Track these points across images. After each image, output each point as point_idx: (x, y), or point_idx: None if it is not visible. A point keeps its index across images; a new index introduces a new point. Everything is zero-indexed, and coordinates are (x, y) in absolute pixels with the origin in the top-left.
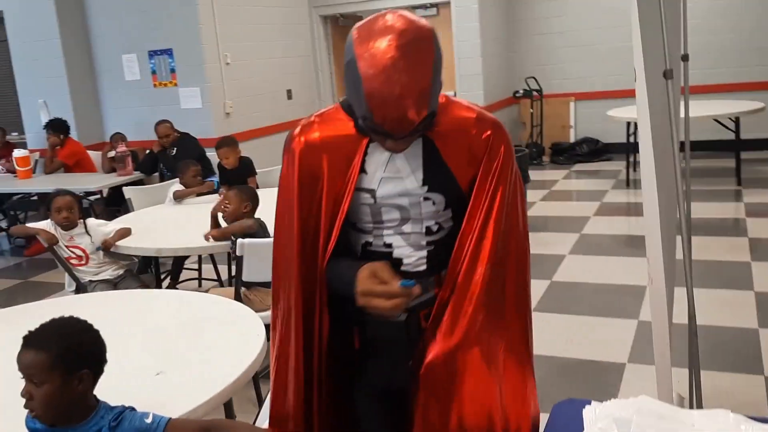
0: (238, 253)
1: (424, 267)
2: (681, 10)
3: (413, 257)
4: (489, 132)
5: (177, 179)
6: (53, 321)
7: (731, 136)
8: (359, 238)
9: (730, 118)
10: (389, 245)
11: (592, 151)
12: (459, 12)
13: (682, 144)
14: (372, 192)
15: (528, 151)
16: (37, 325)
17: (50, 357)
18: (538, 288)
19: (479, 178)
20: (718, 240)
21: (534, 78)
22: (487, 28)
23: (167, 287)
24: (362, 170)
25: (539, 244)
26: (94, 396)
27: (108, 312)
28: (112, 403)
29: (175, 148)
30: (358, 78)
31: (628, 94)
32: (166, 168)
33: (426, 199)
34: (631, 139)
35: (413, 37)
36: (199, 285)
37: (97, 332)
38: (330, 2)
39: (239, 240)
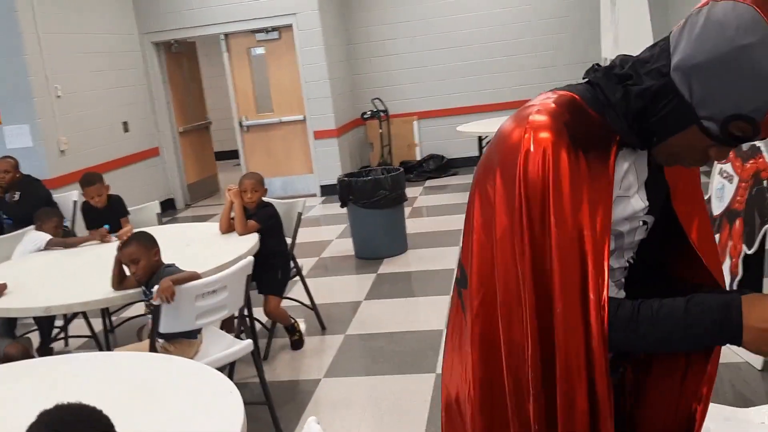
0: (156, 302)
1: None
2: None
3: None
4: None
5: (29, 228)
6: (49, 413)
7: None
8: None
9: None
10: None
11: (439, 167)
12: (302, 36)
13: None
14: None
15: (402, 170)
16: (35, 419)
17: None
18: (441, 305)
19: (694, 189)
20: None
21: (379, 99)
22: (331, 51)
23: (37, 350)
24: None
25: (425, 260)
26: None
27: (33, 388)
28: None
29: (18, 193)
30: None
31: (469, 111)
32: (7, 215)
33: (644, 223)
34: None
35: None
36: (66, 344)
37: (107, 419)
38: (161, 28)
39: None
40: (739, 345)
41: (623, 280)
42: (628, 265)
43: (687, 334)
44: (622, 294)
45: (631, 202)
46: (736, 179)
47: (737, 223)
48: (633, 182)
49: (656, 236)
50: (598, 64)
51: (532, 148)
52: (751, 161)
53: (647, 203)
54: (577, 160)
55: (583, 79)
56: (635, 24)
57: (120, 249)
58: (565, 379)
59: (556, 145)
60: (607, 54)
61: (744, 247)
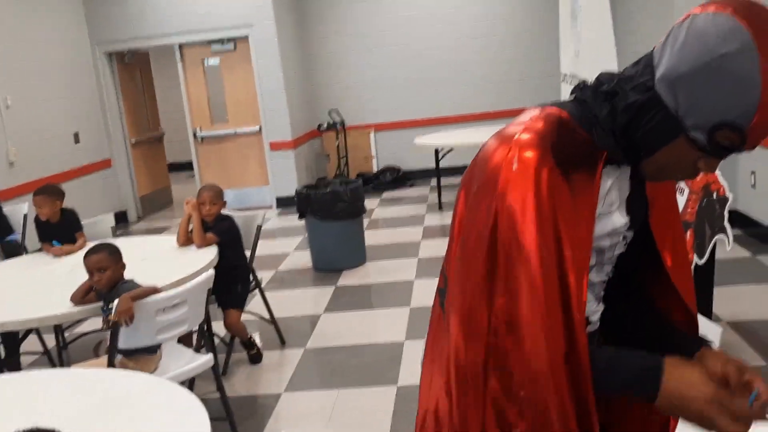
0: (116, 318)
1: (597, 326)
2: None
3: (596, 314)
4: None
5: None
6: None
7: None
8: None
9: None
10: None
11: (396, 179)
12: (258, 47)
13: None
14: None
15: (361, 181)
16: None
17: None
18: (401, 316)
19: (671, 206)
20: None
21: (336, 111)
22: (287, 62)
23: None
24: None
25: (383, 272)
26: None
27: None
28: None
29: None
30: (752, 75)
31: (425, 123)
32: None
33: (624, 238)
34: (440, 164)
35: None
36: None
37: None
38: (114, 38)
39: (117, 302)
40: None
41: (603, 293)
42: (607, 278)
43: (604, 386)
44: (601, 307)
45: (613, 218)
46: (686, 191)
47: (688, 234)
48: (615, 198)
49: (635, 250)
50: (584, 82)
51: (515, 167)
52: (700, 174)
53: (628, 219)
54: (561, 180)
55: (571, 95)
56: (598, 40)
57: (87, 256)
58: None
59: (540, 165)
60: (567, 69)
61: (695, 258)
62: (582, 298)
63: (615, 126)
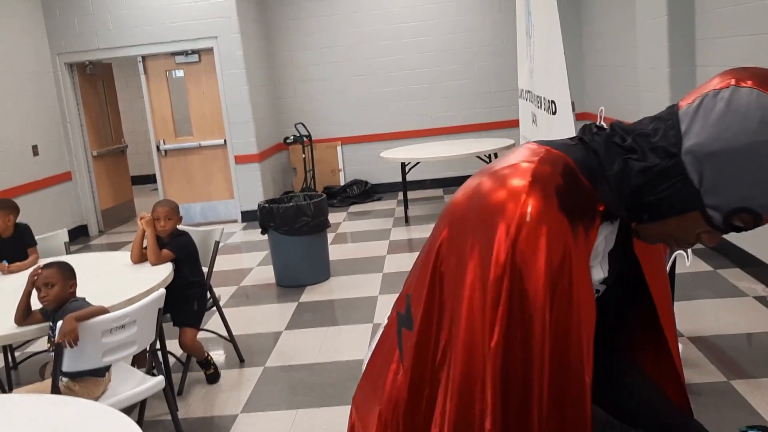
0: (59, 339)
1: None
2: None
3: None
4: None
5: None
6: None
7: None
8: None
9: (488, 155)
10: None
11: (363, 192)
12: (223, 59)
13: None
14: None
15: (325, 196)
16: None
17: None
18: (363, 333)
19: (660, 263)
20: None
21: (302, 124)
22: (253, 75)
23: None
24: None
25: (348, 288)
26: None
27: None
28: None
29: None
30: None
31: (392, 137)
32: None
33: (596, 291)
34: (407, 178)
35: None
36: None
37: None
38: (75, 49)
39: (61, 323)
40: None
41: None
42: None
43: None
44: None
45: (593, 272)
46: None
47: None
48: (600, 252)
49: (616, 307)
50: (596, 125)
51: (519, 214)
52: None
53: (606, 274)
54: (568, 234)
55: (577, 135)
56: (549, 59)
57: (39, 272)
58: None
59: (545, 216)
60: (524, 85)
61: None
62: (590, 363)
63: (624, 184)
